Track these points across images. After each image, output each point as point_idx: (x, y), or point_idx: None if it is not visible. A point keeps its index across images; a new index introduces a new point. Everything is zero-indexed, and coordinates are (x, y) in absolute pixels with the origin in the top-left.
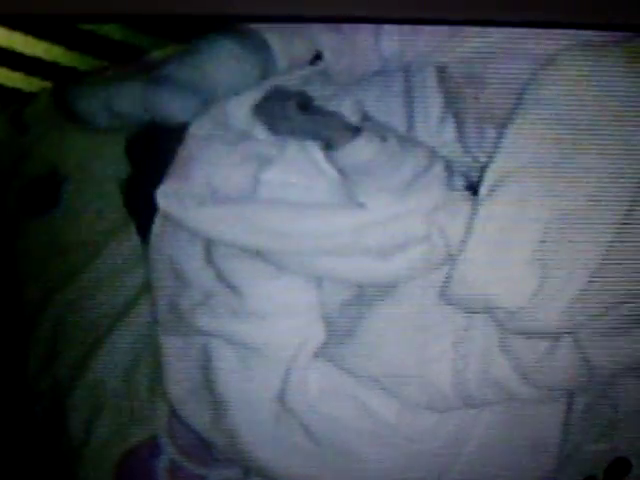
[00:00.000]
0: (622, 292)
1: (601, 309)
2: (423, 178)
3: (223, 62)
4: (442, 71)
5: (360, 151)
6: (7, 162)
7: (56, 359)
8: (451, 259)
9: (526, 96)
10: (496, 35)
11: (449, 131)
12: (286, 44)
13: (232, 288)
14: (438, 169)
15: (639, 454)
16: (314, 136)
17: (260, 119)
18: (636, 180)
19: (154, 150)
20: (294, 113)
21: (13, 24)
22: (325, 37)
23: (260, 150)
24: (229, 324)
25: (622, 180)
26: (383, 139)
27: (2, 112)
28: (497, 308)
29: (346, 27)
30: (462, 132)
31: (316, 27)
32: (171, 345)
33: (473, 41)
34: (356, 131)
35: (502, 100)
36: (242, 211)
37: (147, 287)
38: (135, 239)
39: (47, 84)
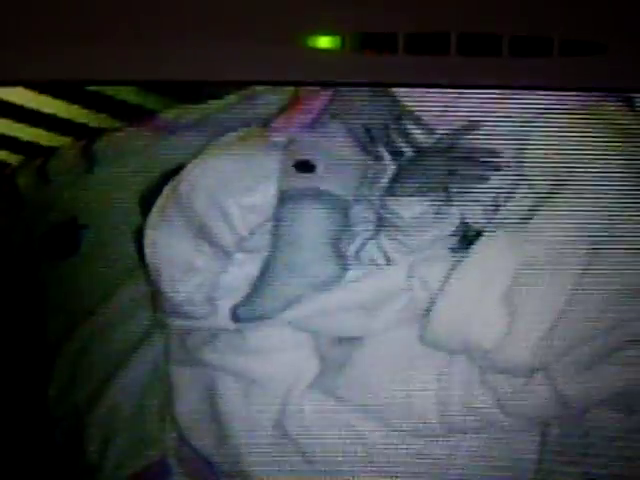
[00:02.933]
0: (586, 331)
1: (568, 347)
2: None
3: None
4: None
5: None
6: (32, 210)
7: (75, 387)
8: (428, 306)
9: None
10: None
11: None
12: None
13: (235, 329)
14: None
15: (610, 478)
16: None
17: None
18: (597, 227)
19: None
20: None
21: (40, 88)
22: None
23: None
24: (232, 359)
25: (584, 229)
26: None
27: (29, 164)
28: (472, 348)
29: None
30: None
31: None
32: (180, 375)
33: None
34: None
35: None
36: None
37: (157, 325)
38: (144, 281)
39: (66, 140)
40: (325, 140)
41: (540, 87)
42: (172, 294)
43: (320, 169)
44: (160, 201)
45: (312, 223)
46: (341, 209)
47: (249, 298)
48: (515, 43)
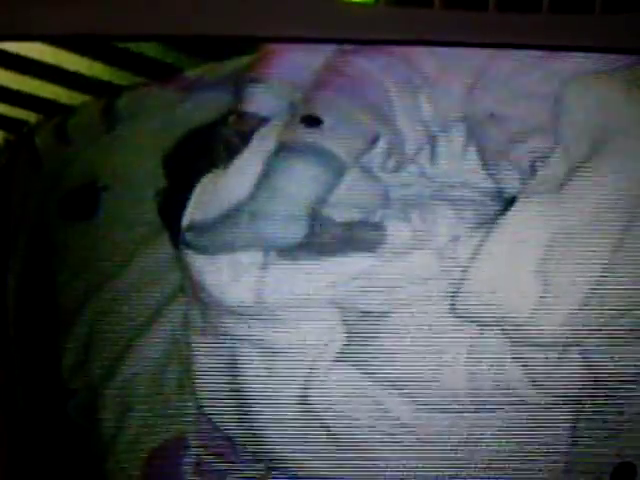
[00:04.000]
0: (622, 304)
1: (603, 321)
2: None
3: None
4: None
5: None
6: (50, 171)
7: (90, 358)
8: (461, 275)
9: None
10: (515, 80)
11: (471, 159)
12: (348, 146)
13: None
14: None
15: None
16: None
17: None
18: (634, 196)
19: (188, 164)
20: None
21: (58, 42)
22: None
23: None
24: (255, 329)
25: (620, 200)
26: None
27: (48, 123)
28: (503, 319)
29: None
30: (484, 161)
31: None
32: (201, 346)
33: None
34: None
35: (519, 137)
36: None
37: (177, 293)
38: (168, 246)
39: (87, 98)
40: (342, 101)
41: (581, 47)
42: None
43: (327, 125)
44: None
45: (302, 178)
46: (338, 172)
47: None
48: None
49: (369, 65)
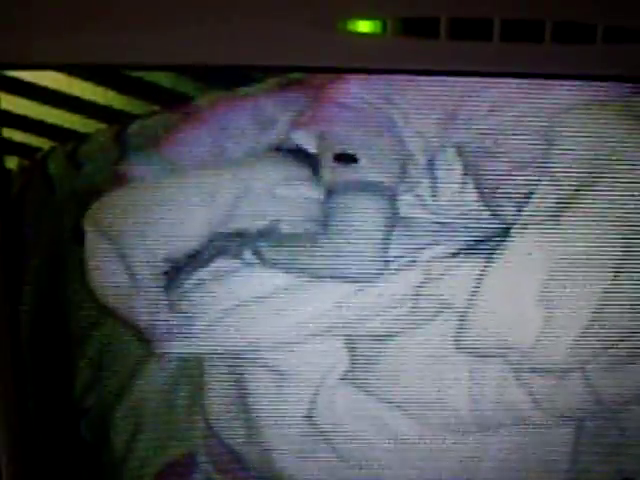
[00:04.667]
0: (623, 328)
1: (605, 345)
2: None
3: None
4: (460, 145)
5: None
6: (63, 195)
7: (102, 378)
8: (463, 309)
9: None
10: (506, 113)
11: (470, 192)
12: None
13: None
14: None
15: None
16: None
17: None
18: (630, 223)
19: None
20: None
21: (73, 71)
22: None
23: None
24: (264, 351)
25: (616, 227)
26: None
27: (61, 149)
28: (507, 350)
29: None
30: (481, 192)
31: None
32: (211, 366)
33: (485, 120)
34: None
35: (513, 174)
36: None
37: None
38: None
39: (100, 125)
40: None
41: (583, 76)
42: None
43: (362, 160)
44: None
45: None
46: (389, 199)
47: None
48: (558, 30)
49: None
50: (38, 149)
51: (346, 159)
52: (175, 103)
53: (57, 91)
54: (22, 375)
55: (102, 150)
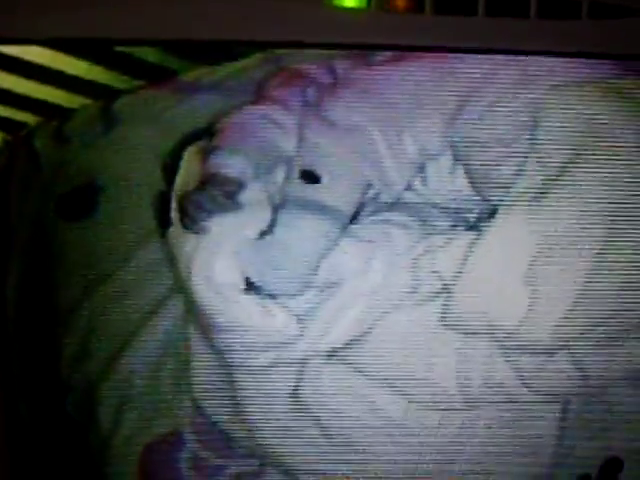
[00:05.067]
0: (608, 308)
1: (590, 324)
2: None
3: None
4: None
5: None
6: (48, 171)
7: (88, 355)
8: (449, 286)
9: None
10: (492, 93)
11: (460, 178)
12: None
13: None
14: None
15: (631, 453)
16: None
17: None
18: (614, 203)
19: None
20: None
21: (58, 46)
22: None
23: None
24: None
25: (601, 206)
26: None
27: (47, 125)
28: (493, 328)
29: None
30: (471, 180)
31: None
32: (198, 341)
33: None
34: None
35: (499, 155)
36: None
37: (174, 290)
38: (164, 246)
39: (85, 100)
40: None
41: (568, 53)
42: None
43: (325, 180)
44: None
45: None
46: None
47: None
48: (543, 5)
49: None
50: (23, 124)
51: (310, 178)
52: (160, 78)
53: (42, 66)
54: (7, 352)
55: (88, 125)
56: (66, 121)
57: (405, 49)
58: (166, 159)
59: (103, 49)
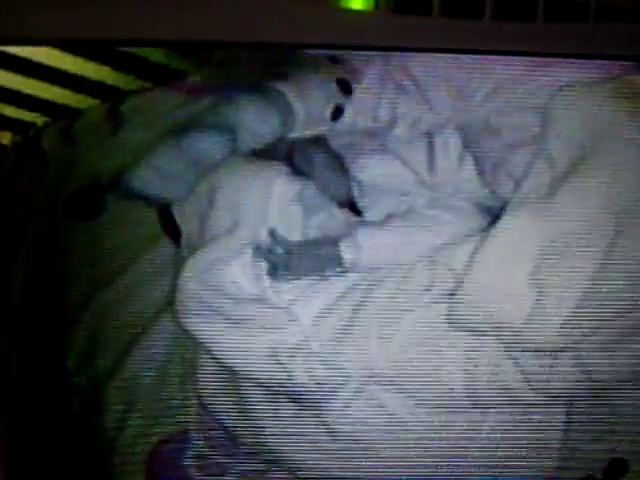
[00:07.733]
0: (614, 308)
1: (597, 324)
2: None
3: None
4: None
5: None
6: (56, 171)
7: (95, 355)
8: (455, 286)
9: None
10: (509, 93)
11: (468, 168)
12: (305, 102)
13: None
14: None
15: (635, 455)
16: None
17: None
18: (621, 203)
19: None
20: None
21: (67, 47)
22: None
23: None
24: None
25: (609, 206)
26: None
27: (54, 126)
28: (499, 327)
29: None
30: (480, 170)
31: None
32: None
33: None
34: None
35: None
36: None
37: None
38: (169, 246)
39: (93, 101)
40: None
41: (575, 55)
42: None
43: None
44: None
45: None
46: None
47: None
48: (550, 8)
49: None
50: (31, 125)
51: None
52: (168, 80)
53: (50, 67)
54: (15, 353)
55: (96, 126)
56: (74, 122)
57: (413, 51)
58: None
59: (110, 50)
